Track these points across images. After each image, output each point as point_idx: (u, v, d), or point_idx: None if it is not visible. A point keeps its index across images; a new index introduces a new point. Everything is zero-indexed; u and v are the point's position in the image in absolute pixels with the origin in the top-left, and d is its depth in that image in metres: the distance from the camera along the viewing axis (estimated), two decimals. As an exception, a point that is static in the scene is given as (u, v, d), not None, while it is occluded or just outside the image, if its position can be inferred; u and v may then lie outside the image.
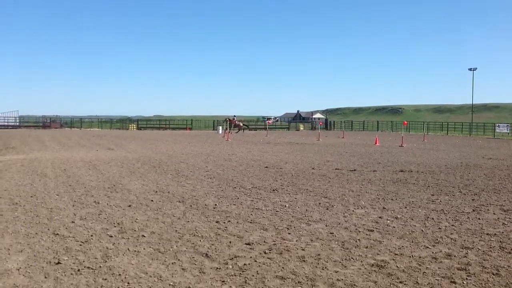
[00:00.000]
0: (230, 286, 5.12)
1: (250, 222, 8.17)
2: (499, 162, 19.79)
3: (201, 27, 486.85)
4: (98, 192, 11.04)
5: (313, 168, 16.58)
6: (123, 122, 79.31)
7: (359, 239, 7.11)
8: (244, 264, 5.88)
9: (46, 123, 71.75)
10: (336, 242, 6.95)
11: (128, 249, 6.49)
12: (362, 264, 5.95)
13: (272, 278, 5.40)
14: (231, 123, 52.67)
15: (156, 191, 11.30)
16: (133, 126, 71.78)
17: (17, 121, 71.79)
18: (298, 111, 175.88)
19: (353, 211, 9.26)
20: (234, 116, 55.49)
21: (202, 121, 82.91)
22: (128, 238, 7.07)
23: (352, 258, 6.21)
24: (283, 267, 5.79)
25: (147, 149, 25.59)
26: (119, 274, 5.44)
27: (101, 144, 30.29)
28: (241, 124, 54.53)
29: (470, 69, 71.13)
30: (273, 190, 11.70)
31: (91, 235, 7.17)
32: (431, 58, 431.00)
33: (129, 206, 9.50)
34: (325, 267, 5.82)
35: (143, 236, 7.18)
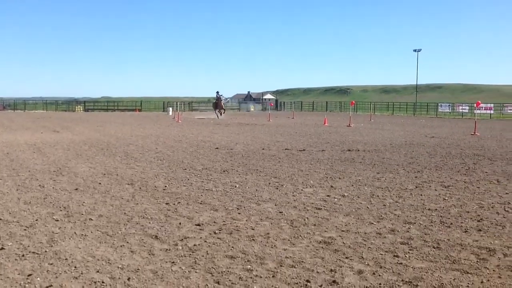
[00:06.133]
0: (180, 267, 5.14)
1: (200, 203, 8.18)
2: (440, 140, 20.50)
3: (148, 6, 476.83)
4: (43, 176, 10.77)
5: (263, 149, 16.70)
6: (69, 104, 77.13)
7: (307, 217, 7.25)
8: (194, 245, 5.90)
9: (-12, 105, 69.02)
10: (285, 221, 7.06)
11: (75, 233, 6.38)
12: (310, 242, 6.08)
13: (222, 258, 5.45)
14: (218, 104, 43.10)
15: (104, 174, 11.12)
16: (80, 108, 69.96)
17: (-44, 103, 68.73)
18: (248, 92, 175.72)
19: (302, 190, 9.41)
20: (218, 93, 43.26)
21: (152, 102, 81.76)
22: (75, 221, 6.95)
23: (300, 236, 6.34)
24: (232, 247, 5.85)
25: (95, 131, 25.07)
26: (66, 259, 5.36)
27: (46, 126, 29.45)
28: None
29: (414, 50, 72.98)
30: (224, 171, 11.73)
31: (36, 220, 7.01)
32: (378, 39, 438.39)
33: (76, 189, 9.32)
34: (274, 246, 5.91)
35: (91, 219, 7.07)
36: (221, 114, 42.54)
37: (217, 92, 42.85)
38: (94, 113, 60.20)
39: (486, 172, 11.61)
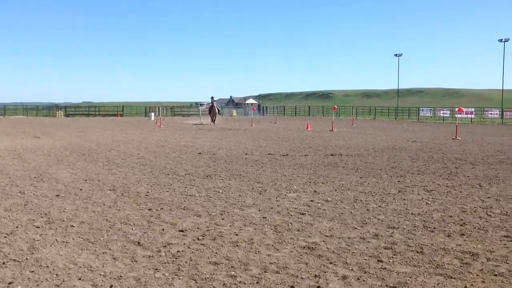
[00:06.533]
0: (163, 274, 5.09)
1: (183, 209, 8.13)
2: (422, 145, 20.67)
3: (129, 10, 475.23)
4: (24, 182, 10.62)
5: (246, 154, 16.67)
6: (50, 109, 76.29)
7: (291, 223, 7.24)
8: (178, 251, 5.85)
9: (-34, 110, 68.00)
10: (269, 226, 7.04)
11: (56, 239, 6.29)
12: (294, 247, 6.07)
13: (206, 264, 5.41)
14: (213, 109, 41.08)
15: (86, 180, 11.00)
16: (61, 113, 69.21)
17: None
18: (231, 96, 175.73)
19: (285, 195, 9.40)
20: (213, 98, 42.15)
21: (134, 107, 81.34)
22: (56, 228, 6.85)
23: (284, 241, 6.32)
24: (216, 253, 5.81)
25: (76, 137, 24.84)
26: (47, 266, 5.28)
27: (26, 132, 29.09)
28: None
29: (395, 55, 73.58)
30: (207, 176, 11.68)
31: (17, 227, 6.90)
32: (359, 44, 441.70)
33: (57, 195, 9.20)
34: (258, 251, 5.89)
35: (72, 226, 6.98)
36: (213, 121, 40.58)
37: (212, 98, 41.76)
38: (75, 118, 59.68)
39: (468, 176, 11.72)
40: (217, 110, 41.49)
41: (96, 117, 64.72)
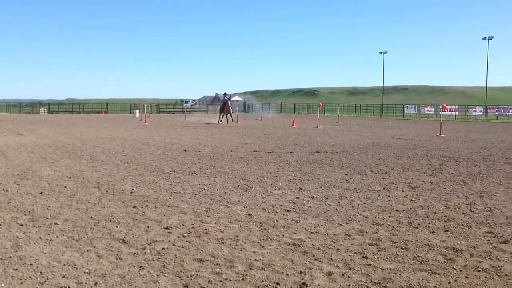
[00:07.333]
0: (148, 271, 5.06)
1: (169, 206, 8.10)
2: (407, 142, 20.81)
3: (113, 7, 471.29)
4: (7, 180, 10.50)
5: (231, 151, 16.66)
6: (33, 106, 75.49)
7: (276, 220, 7.25)
8: (163, 249, 5.83)
9: None
10: (254, 223, 7.04)
11: (40, 237, 6.23)
12: (279, 244, 6.07)
13: (191, 261, 5.39)
14: (225, 108, 36.95)
15: (70, 177, 10.91)
16: (44, 110, 68.59)
17: None
18: (216, 93, 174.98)
19: (270, 192, 9.41)
20: (226, 95, 37.68)
21: (118, 104, 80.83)
22: (40, 226, 6.79)
23: (269, 238, 6.32)
24: (201, 250, 5.79)
25: (60, 134, 24.63)
26: (31, 264, 5.23)
27: (9, 129, 28.79)
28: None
29: (381, 53, 73.87)
30: (192, 173, 11.65)
31: (0, 224, 6.82)
32: (344, 41, 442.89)
33: (41, 193, 9.11)
34: (244, 248, 5.89)
35: (56, 223, 6.92)
36: (227, 119, 37.15)
37: (225, 94, 37.40)
38: (58, 115, 59.18)
39: (452, 173, 11.82)
40: (230, 108, 37.68)
41: (80, 114, 64.28)
